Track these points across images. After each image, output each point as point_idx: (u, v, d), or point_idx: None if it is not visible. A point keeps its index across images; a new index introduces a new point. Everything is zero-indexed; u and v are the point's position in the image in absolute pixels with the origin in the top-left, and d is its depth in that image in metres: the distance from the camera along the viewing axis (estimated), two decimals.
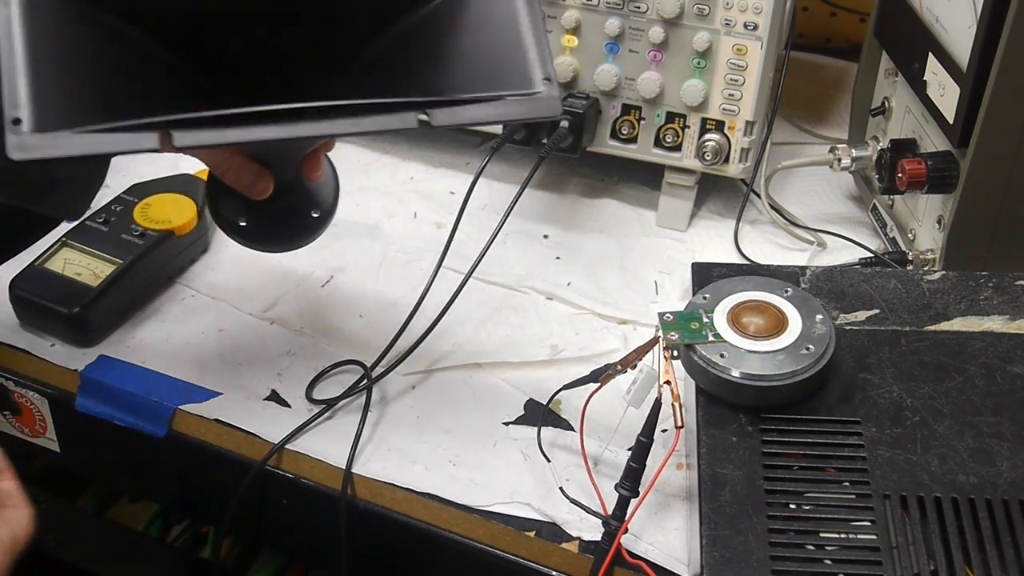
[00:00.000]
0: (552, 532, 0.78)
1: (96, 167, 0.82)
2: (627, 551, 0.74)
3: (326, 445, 0.84)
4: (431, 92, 0.68)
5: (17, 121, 0.62)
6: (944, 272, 0.80)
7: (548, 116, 0.69)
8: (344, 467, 0.82)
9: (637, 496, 0.74)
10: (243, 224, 0.79)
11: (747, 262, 1.02)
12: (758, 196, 1.07)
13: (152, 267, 0.95)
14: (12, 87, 0.62)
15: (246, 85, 0.70)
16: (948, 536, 0.64)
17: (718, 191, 1.11)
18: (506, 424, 0.86)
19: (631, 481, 0.74)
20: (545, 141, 0.99)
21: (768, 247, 1.05)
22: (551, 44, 1.03)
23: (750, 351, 0.72)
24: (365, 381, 0.87)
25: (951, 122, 0.88)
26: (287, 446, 0.84)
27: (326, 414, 0.86)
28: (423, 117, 0.65)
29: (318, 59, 0.73)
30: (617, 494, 0.74)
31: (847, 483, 0.67)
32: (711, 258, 0.99)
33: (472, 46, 0.71)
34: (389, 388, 0.89)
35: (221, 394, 0.87)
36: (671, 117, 1.02)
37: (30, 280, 0.92)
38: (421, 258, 1.01)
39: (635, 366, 0.75)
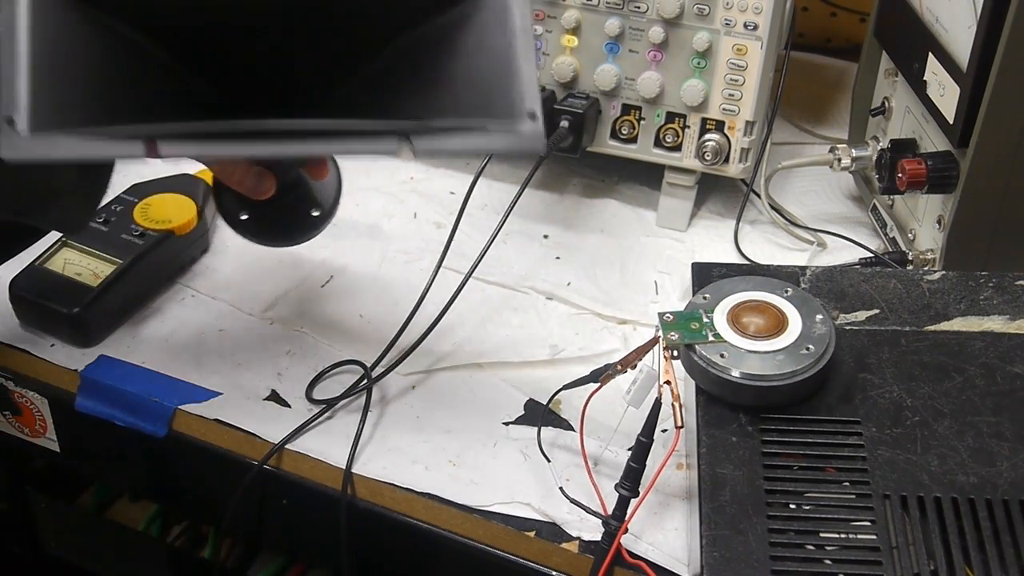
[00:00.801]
0: (552, 532, 0.78)
1: (97, 178, 0.81)
2: (627, 551, 0.74)
3: (326, 445, 0.84)
4: (419, 113, 0.69)
5: (11, 121, 0.63)
6: (944, 272, 0.80)
7: (531, 151, 0.70)
8: (344, 467, 0.82)
9: (637, 496, 0.74)
10: (244, 218, 0.80)
11: (747, 262, 1.02)
12: (758, 196, 1.07)
13: (152, 267, 0.95)
14: (10, 86, 0.62)
15: (247, 93, 0.71)
16: (948, 536, 0.64)
17: (718, 191, 1.11)
18: (506, 424, 0.86)
19: (631, 481, 0.74)
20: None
21: (768, 247, 1.05)
22: (551, 44, 1.03)
23: (750, 351, 0.72)
24: (365, 381, 0.87)
25: (951, 122, 0.88)
26: (287, 446, 0.84)
27: (326, 414, 0.86)
28: (405, 145, 0.65)
29: (319, 71, 0.74)
30: (617, 494, 0.74)
31: (847, 483, 0.67)
32: (711, 258, 0.99)
33: (464, 71, 0.71)
34: (389, 388, 0.89)
35: (221, 394, 0.87)
36: (671, 117, 1.02)
37: (30, 280, 0.92)
38: (421, 258, 1.01)
39: (635, 366, 0.75)
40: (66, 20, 0.66)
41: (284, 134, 0.65)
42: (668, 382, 0.71)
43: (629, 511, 0.74)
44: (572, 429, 0.85)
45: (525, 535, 0.78)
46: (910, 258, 0.96)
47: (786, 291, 0.76)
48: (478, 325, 0.94)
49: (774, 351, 0.71)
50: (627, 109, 1.03)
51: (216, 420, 0.86)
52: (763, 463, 0.69)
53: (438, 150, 0.69)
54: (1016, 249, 0.89)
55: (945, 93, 0.88)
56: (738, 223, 1.06)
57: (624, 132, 1.04)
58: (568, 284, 0.99)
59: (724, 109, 1.01)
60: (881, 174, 0.98)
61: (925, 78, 0.92)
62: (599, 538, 0.74)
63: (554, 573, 0.78)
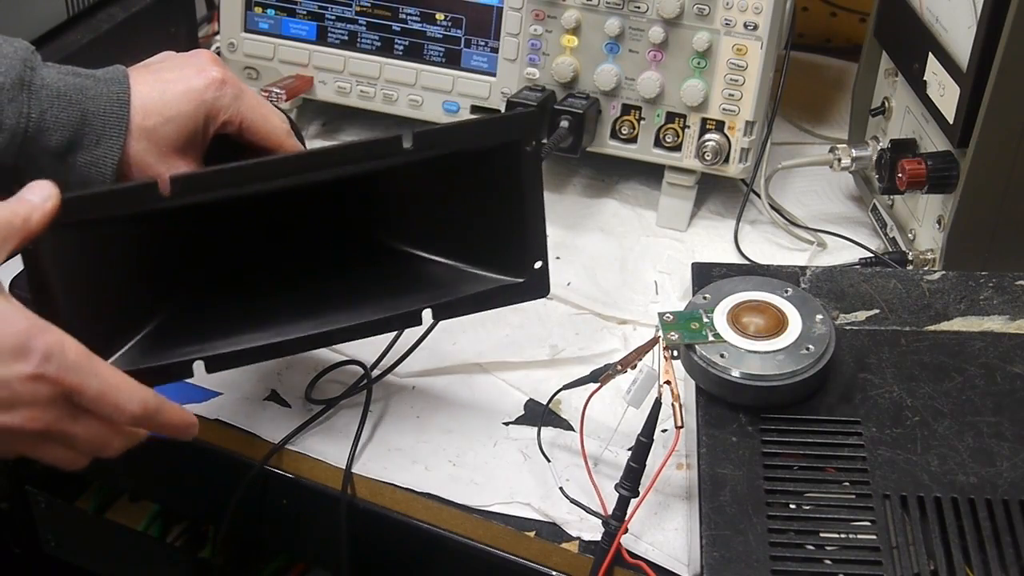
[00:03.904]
0: (552, 532, 0.78)
1: None
2: (627, 551, 0.74)
3: (326, 445, 0.84)
4: (437, 271, 0.79)
5: None
6: (944, 272, 0.80)
7: (537, 297, 0.80)
8: (344, 467, 0.82)
9: (637, 496, 0.74)
10: None
11: (747, 262, 1.02)
12: (758, 196, 1.07)
13: None
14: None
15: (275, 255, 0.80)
16: (948, 536, 0.64)
17: (718, 191, 1.11)
18: (506, 424, 0.86)
19: (631, 481, 0.74)
20: (545, 141, 0.99)
21: (768, 247, 1.05)
22: (551, 44, 1.03)
23: (750, 351, 0.72)
24: (365, 381, 0.87)
25: (951, 122, 0.88)
26: (287, 446, 0.84)
27: (326, 414, 0.86)
28: (426, 315, 0.78)
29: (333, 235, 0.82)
30: (617, 494, 0.74)
31: (847, 483, 0.67)
32: (711, 258, 0.99)
33: (476, 228, 0.79)
34: (389, 388, 0.89)
35: (221, 394, 0.87)
36: (671, 117, 1.02)
37: None
38: None
39: (635, 366, 0.75)
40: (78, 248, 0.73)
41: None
42: (668, 382, 0.71)
43: (629, 511, 0.74)
44: (572, 429, 0.85)
45: (525, 535, 0.78)
46: (910, 258, 0.96)
47: (786, 291, 0.76)
48: (478, 325, 0.94)
49: (774, 351, 0.71)
50: (627, 109, 1.03)
51: (216, 420, 0.86)
52: (763, 463, 0.69)
53: (455, 314, 0.80)
54: (1016, 249, 0.89)
55: (945, 93, 0.88)
56: (738, 223, 1.06)
57: (624, 132, 1.04)
58: (568, 284, 0.99)
59: (724, 109, 1.01)
60: (881, 174, 0.98)
61: (925, 78, 0.92)
62: (599, 538, 0.74)
63: (554, 573, 0.78)
